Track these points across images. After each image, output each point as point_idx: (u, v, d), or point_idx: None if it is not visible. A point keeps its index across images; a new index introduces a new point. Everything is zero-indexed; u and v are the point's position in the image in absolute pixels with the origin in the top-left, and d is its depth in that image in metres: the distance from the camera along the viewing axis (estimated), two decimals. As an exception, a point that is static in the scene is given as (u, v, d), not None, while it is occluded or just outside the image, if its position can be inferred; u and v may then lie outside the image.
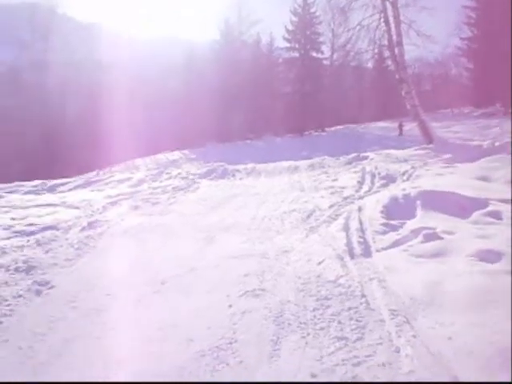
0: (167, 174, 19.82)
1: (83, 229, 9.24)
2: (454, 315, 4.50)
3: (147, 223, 9.86)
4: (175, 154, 43.38)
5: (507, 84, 34.72)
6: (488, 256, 5.82)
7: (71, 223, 9.77)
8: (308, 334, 4.48)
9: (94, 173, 27.86)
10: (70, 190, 17.24)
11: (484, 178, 11.26)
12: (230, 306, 5.25)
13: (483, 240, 6.52)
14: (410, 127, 32.18)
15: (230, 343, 4.43)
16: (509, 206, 8.14)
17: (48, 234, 8.77)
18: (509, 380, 3.48)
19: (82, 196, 14.00)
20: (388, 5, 22.03)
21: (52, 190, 17.15)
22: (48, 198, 13.93)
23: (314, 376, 3.82)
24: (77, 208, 11.71)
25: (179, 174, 19.39)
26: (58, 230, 9.19)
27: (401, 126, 37.98)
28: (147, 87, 51.00)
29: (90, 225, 9.56)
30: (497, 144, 14.92)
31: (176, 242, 8.33)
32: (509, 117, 33.79)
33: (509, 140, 14.86)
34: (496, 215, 7.86)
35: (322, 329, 4.56)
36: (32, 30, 51.66)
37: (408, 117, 27.59)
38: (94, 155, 38.18)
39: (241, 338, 4.51)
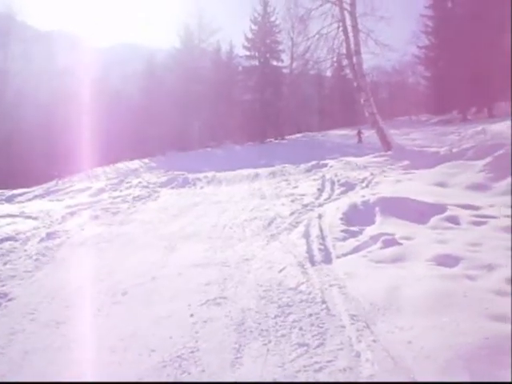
0: (127, 183, 19.66)
1: (42, 240, 9.11)
2: (413, 319, 4.56)
3: (107, 233, 9.76)
4: (135, 163, 42.97)
5: (464, 91, 35.54)
6: (446, 260, 5.93)
7: (30, 234, 9.62)
8: (270, 342, 4.49)
9: (53, 182, 27.43)
10: (29, 200, 17.00)
11: (442, 184, 11.47)
12: (192, 315, 5.23)
13: (441, 245, 6.64)
14: (369, 134, 32.53)
15: (192, 352, 4.42)
16: (466, 211, 8.32)
17: (6, 245, 8.64)
18: (509, 380, 3.54)
19: (40, 206, 13.81)
20: (346, 14, 22.28)
21: (10, 200, 16.90)
22: (6, 208, 13.73)
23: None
24: (35, 219, 11.54)
25: (139, 183, 19.25)
26: (16, 241, 9.05)
27: (359, 134, 37.97)
28: (107, 95, 50.40)
29: (49, 235, 9.42)
30: (454, 150, 15.15)
31: (137, 251, 8.26)
32: (466, 124, 34.51)
33: (466, 146, 15.11)
34: (454, 220, 8.02)
35: (283, 336, 4.58)
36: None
37: (367, 124, 27.86)
38: (53, 164, 37.49)
39: (203, 347, 4.50)
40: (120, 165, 43.55)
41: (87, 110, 43.73)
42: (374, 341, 4.28)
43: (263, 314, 5.09)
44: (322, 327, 4.66)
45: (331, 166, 18.57)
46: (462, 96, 37.95)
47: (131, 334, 4.88)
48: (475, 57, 34.24)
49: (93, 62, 52.33)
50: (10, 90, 46.94)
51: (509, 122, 15.90)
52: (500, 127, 18.20)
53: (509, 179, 10.30)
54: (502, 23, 30.79)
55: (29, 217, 11.80)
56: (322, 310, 5.05)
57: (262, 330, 4.74)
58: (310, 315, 4.95)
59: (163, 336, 4.77)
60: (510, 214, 8.01)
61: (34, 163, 40.29)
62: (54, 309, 5.73)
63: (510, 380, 3.54)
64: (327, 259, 6.85)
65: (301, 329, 4.68)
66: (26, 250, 8.33)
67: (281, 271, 6.43)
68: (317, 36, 23.49)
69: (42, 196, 17.87)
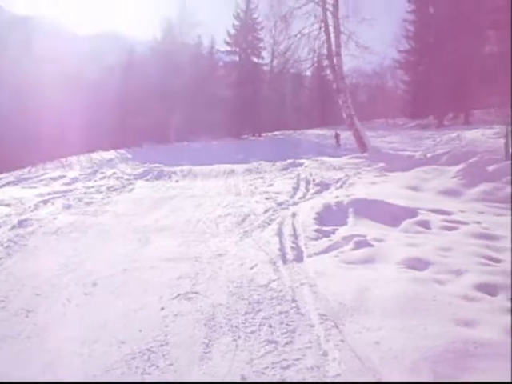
0: (101, 173, 19.51)
1: (13, 227, 9.02)
2: (381, 321, 4.62)
3: (80, 223, 9.68)
4: (111, 153, 42.59)
5: (441, 97, 35.89)
6: (416, 264, 6.00)
7: (1, 221, 9.54)
8: (239, 337, 4.52)
9: (26, 170, 27.10)
10: (1, 186, 16.78)
11: (415, 188, 11.60)
12: (163, 308, 5.23)
13: (412, 248, 6.72)
14: (346, 136, 32.60)
15: (161, 345, 4.43)
16: (438, 216, 8.42)
17: (-24, 231, 8.54)
18: (509, 380, 3.60)
19: (12, 193, 13.67)
20: (329, 15, 22.39)
21: (-19, 186, 16.67)
22: (-23, 194, 13.53)
23: (244, 378, 3.87)
24: (7, 205, 11.42)
25: (114, 173, 19.11)
26: (-14, 227, 8.95)
27: (337, 136, 36.93)
28: (85, 83, 49.84)
29: (21, 223, 9.33)
30: (429, 155, 15.33)
31: (109, 242, 8.22)
32: (442, 129, 34.87)
33: (441, 151, 15.30)
34: (425, 224, 8.12)
35: (252, 332, 4.61)
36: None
37: (344, 125, 27.98)
38: (27, 152, 37.08)
39: (172, 341, 4.51)
40: (95, 155, 43.15)
41: (64, 98, 43.26)
42: (342, 340, 4.32)
43: (233, 310, 5.11)
44: (291, 325, 4.70)
45: (307, 166, 18.65)
46: (439, 101, 38.29)
47: (101, 326, 4.86)
48: (454, 63, 34.59)
49: (72, 49, 51.80)
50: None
51: (483, 130, 16.14)
52: (474, 134, 18.45)
53: (481, 186, 10.47)
54: (480, 31, 31.17)
55: (0, 204, 11.67)
56: (291, 308, 5.09)
57: (231, 325, 4.77)
58: (280, 313, 4.98)
59: (133, 328, 4.77)
60: (480, 220, 8.15)
61: (7, 149, 39.74)
62: (24, 297, 5.69)
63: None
64: (299, 258, 6.89)
65: (270, 326, 4.71)
66: (-4, 237, 8.25)
67: (252, 268, 6.45)
68: (298, 35, 23.59)
69: (14, 183, 17.64)
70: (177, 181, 17.67)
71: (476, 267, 5.72)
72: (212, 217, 10.06)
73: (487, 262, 5.99)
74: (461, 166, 11.91)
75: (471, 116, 38.51)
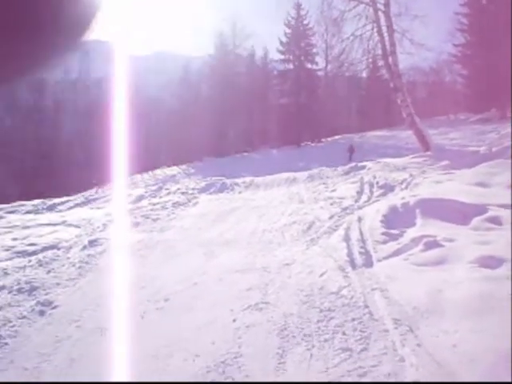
0: (166, 189, 19.77)
1: (84, 247, 9.24)
2: (457, 323, 4.52)
3: (148, 240, 9.85)
4: (173, 170, 43.34)
5: (502, 88, 34.88)
6: (489, 262, 5.85)
7: (72, 242, 9.78)
8: (313, 346, 4.50)
9: (93, 190, 27.80)
10: (70, 208, 17.26)
11: (482, 184, 11.29)
12: (234, 320, 5.26)
13: (484, 246, 6.55)
14: (404, 136, 32.04)
15: (236, 358, 4.44)
16: (508, 211, 8.18)
17: (49, 253, 8.78)
18: (509, 380, 3.50)
19: (81, 214, 14.01)
20: (381, 14, 22.11)
21: (51, 209, 17.18)
22: (48, 217, 13.94)
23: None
24: (77, 227, 11.71)
25: (178, 189, 19.34)
26: (59, 249, 9.20)
27: (352, 150, 34.34)
28: (143, 103, 50.93)
29: (91, 243, 9.55)
30: (494, 149, 14.97)
31: (177, 257, 8.34)
32: (505, 121, 33.86)
33: (506, 145, 14.89)
34: (496, 221, 7.90)
35: (326, 340, 4.58)
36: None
37: (404, 125, 27.56)
38: (92, 173, 38.08)
39: (246, 352, 4.52)
40: (158, 171, 43.95)
41: (124, 117, 44.26)
42: (418, 345, 4.25)
43: (305, 319, 5.09)
44: (365, 332, 4.65)
45: (369, 168, 18.48)
46: (500, 93, 37.24)
47: (175, 340, 4.92)
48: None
49: (129, 70, 52.98)
50: (49, 100, 47.84)
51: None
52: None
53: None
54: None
55: (70, 225, 11.98)
56: (364, 314, 5.03)
57: (304, 334, 4.75)
58: (353, 319, 4.94)
59: (206, 342, 4.81)
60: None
61: (74, 172, 40.94)
62: (99, 316, 5.80)
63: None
64: (368, 263, 6.82)
65: (344, 333, 4.67)
66: (68, 258, 8.46)
67: (322, 275, 6.42)
68: (351, 38, 23.41)
69: (82, 204, 18.14)
70: (239, 192, 17.77)
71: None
72: (277, 226, 10.07)
73: None
74: (528, 158, 11.57)
75: (534, 106, 37.33)
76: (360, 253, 7.23)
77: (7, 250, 9.25)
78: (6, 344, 5.13)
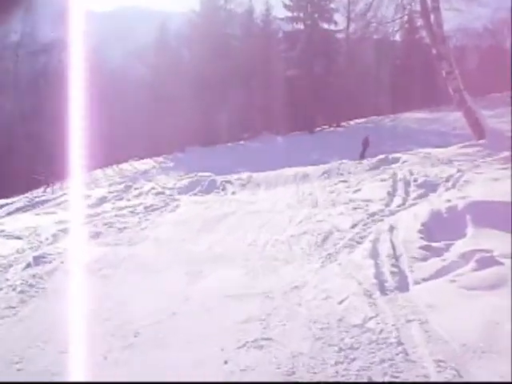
0: (136, 189, 19.74)
1: (28, 265, 9.17)
2: (518, 365, 4.52)
3: (112, 255, 9.82)
4: (146, 163, 43.37)
5: None
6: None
7: (12, 258, 9.74)
8: (329, 397, 4.50)
9: (41, 190, 27.78)
10: (9, 213, 17.20)
11: (553, 183, 11.31)
12: (226, 362, 5.24)
13: (554, 265, 6.56)
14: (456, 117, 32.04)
15: (230, 411, 4.45)
16: None
17: (-18, 274, 8.77)
18: (509, 380, 3.54)
19: (25, 222, 13.97)
20: (420, -42, 22.13)
21: (-17, 215, 17.14)
22: (-20, 226, 13.92)
23: None
24: (19, 238, 11.68)
25: (152, 188, 19.32)
26: (-6, 268, 9.19)
27: (365, 143, 33.32)
28: (107, 73, 50.86)
29: (37, 260, 9.50)
30: None
31: (151, 278, 8.31)
32: None
33: None
34: None
35: (347, 388, 4.59)
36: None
37: (451, 105, 27.53)
38: (38, 166, 37.90)
39: (242, 404, 4.53)
40: (126, 165, 43.93)
41: (80, 95, 44.08)
42: (469, 394, 4.26)
43: (320, 360, 5.08)
44: (397, 377, 4.64)
45: (404, 161, 18.49)
46: None
47: (146, 388, 4.92)
48: None
49: (86, 32, 52.88)
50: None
51: None
52: None
53: None
54: None
55: (10, 236, 11.95)
56: (397, 353, 5.02)
57: (318, 381, 4.75)
58: (382, 361, 4.92)
59: (190, 390, 4.81)
60: None
61: (14, 166, 40.67)
62: (48, 356, 5.78)
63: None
64: (403, 286, 6.83)
65: (370, 379, 4.67)
66: (7, 280, 8.41)
67: (341, 303, 6.42)
68: (381, -12, 23.44)
69: (26, 208, 18.06)
70: (233, 193, 17.77)
71: None
72: (283, 238, 10.07)
73: None
74: None
75: None
76: (392, 273, 7.23)
77: None
78: None
